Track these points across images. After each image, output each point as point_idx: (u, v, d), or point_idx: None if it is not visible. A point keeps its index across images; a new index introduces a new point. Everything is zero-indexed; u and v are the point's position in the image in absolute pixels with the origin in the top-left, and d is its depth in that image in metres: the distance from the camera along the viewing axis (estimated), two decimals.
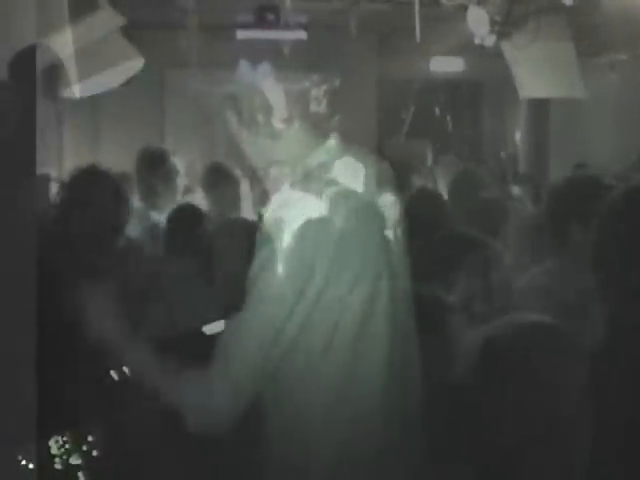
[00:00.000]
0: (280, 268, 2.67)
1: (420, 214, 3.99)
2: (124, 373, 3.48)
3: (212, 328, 3.77)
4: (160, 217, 5.87)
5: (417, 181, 7.67)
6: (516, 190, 7.83)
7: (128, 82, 7.53)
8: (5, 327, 2.60)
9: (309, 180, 2.87)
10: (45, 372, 2.71)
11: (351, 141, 3.15)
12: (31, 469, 2.59)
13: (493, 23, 8.05)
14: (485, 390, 2.20)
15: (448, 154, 10.71)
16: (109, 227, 4.36)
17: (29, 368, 2.45)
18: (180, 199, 6.24)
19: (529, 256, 4.39)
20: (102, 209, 4.31)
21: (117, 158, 9.28)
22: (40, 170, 7.89)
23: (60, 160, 9.55)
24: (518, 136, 12.24)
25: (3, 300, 2.69)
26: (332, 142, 3.05)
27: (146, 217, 5.83)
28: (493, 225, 4.95)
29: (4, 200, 3.15)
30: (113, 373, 3.48)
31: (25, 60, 4.82)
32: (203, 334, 3.79)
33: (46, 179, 7.69)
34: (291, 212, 2.75)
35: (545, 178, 10.02)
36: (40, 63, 6.02)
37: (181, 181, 6.23)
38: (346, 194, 2.82)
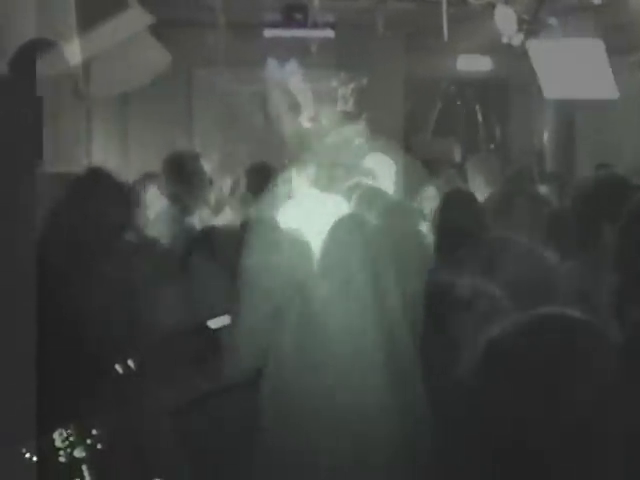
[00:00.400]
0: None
1: (454, 215, 4.01)
2: (129, 367, 3.51)
3: (217, 322, 3.82)
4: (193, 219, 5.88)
5: (446, 179, 7.68)
6: (543, 189, 7.80)
7: (156, 80, 7.57)
8: (5, 323, 2.62)
9: (335, 178, 2.91)
10: (50, 365, 2.73)
11: (378, 139, 3.17)
12: (32, 463, 2.61)
13: (521, 22, 8.04)
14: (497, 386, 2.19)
15: (476, 152, 10.68)
16: (111, 228, 4.39)
17: (28, 365, 2.47)
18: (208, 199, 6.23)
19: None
20: (103, 209, 4.34)
21: (146, 156, 9.34)
22: (69, 168, 7.97)
23: (89, 158, 9.62)
24: (545, 135, 12.21)
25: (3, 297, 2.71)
26: (360, 139, 3.08)
27: (179, 220, 5.82)
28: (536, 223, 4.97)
29: (4, 198, 3.18)
30: (118, 367, 3.52)
31: (25, 55, 4.85)
32: (208, 327, 3.84)
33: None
34: (320, 211, 2.79)
35: (571, 177, 9.98)
36: (69, 62, 6.07)
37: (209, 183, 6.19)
38: (375, 193, 2.85)
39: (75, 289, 3.33)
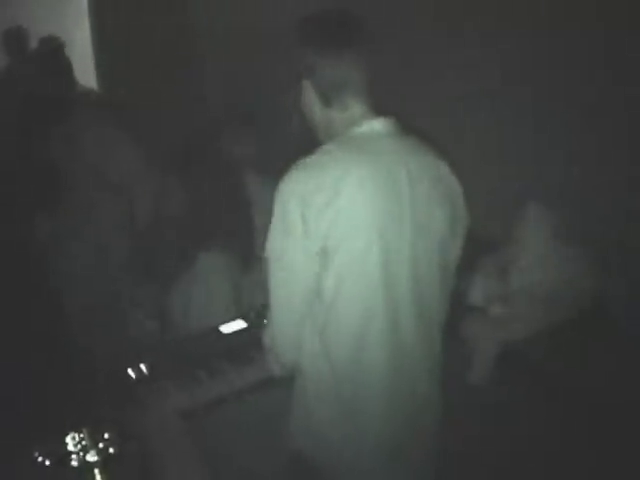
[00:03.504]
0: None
1: None
2: (141, 372, 3.55)
3: (230, 327, 3.85)
4: None
5: None
6: None
7: None
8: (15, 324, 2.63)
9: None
10: (63, 369, 2.74)
11: None
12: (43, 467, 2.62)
13: None
14: None
15: None
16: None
17: (40, 368, 2.47)
18: None
19: None
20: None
21: None
22: None
23: None
24: None
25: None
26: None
27: None
28: None
29: None
30: (130, 371, 3.58)
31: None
32: (221, 332, 3.89)
33: None
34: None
35: None
36: None
37: None
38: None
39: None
